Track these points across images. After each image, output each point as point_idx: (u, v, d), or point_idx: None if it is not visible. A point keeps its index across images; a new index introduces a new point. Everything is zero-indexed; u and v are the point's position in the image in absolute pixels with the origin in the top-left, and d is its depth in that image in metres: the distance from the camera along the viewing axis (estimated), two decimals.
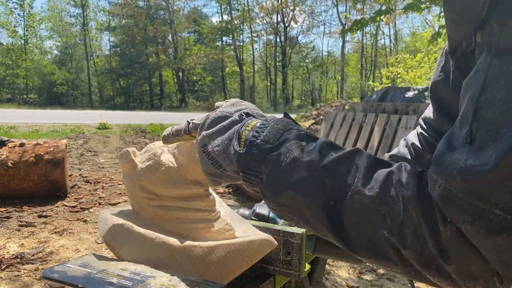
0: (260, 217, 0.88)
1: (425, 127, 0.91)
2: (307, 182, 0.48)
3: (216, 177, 0.59)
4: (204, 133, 0.60)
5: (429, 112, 0.90)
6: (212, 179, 0.60)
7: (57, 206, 3.47)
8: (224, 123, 0.59)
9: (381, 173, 0.46)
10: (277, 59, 40.39)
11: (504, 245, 0.36)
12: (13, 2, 35.40)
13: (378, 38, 41.50)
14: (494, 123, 0.37)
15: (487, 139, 0.37)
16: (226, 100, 0.67)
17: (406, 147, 0.93)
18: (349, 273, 2.50)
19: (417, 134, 0.92)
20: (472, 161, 0.37)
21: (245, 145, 0.54)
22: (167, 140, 0.70)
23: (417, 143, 0.91)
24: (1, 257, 2.37)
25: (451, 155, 0.40)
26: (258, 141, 0.53)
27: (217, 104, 0.68)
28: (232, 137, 0.57)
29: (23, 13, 36.31)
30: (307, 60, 42.80)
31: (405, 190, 0.43)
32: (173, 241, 0.71)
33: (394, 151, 0.95)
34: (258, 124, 0.55)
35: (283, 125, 0.54)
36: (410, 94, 6.90)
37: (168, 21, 39.06)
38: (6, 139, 3.76)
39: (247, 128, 0.55)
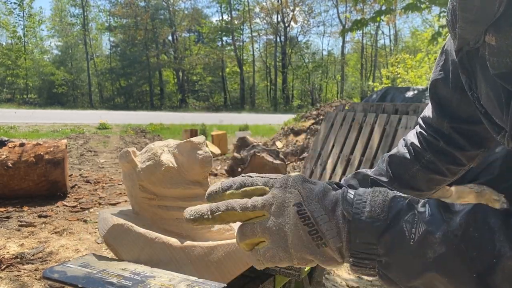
0: None
1: (424, 126, 0.91)
2: (447, 259, 0.42)
3: (302, 259, 0.47)
4: (295, 190, 0.49)
5: (428, 111, 0.90)
6: (298, 264, 0.48)
7: (57, 206, 3.47)
8: (314, 186, 0.49)
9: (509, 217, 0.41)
10: (277, 59, 40.39)
11: None
12: (12, 3, 35.43)
13: (378, 38, 41.53)
14: None
15: None
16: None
17: (405, 146, 0.93)
18: (349, 273, 2.50)
19: (416, 134, 0.92)
20: None
21: (349, 227, 0.46)
22: (210, 197, 0.54)
23: (417, 143, 0.91)
24: (1, 257, 2.37)
25: None
26: (363, 218, 0.45)
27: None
28: (335, 203, 0.47)
29: (23, 13, 36.31)
30: (307, 60, 42.81)
31: None
32: (173, 241, 0.71)
33: (393, 151, 0.95)
34: (349, 197, 0.47)
35: (383, 195, 0.47)
36: (410, 94, 6.90)
37: (169, 21, 39.06)
38: (6, 139, 3.76)
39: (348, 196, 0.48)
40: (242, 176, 0.54)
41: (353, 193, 0.48)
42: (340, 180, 4.01)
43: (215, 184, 0.54)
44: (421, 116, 0.93)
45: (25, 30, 36.32)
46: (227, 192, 0.52)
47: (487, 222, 0.41)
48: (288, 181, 0.50)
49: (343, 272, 2.51)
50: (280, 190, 0.49)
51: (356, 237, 0.45)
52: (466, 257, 0.41)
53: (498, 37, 0.44)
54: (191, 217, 0.52)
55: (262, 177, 0.52)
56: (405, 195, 0.48)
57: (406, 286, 0.45)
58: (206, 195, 0.54)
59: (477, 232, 0.41)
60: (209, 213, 0.51)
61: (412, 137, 0.93)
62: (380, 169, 0.93)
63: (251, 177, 0.52)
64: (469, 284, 0.41)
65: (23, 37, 36.06)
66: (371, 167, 3.45)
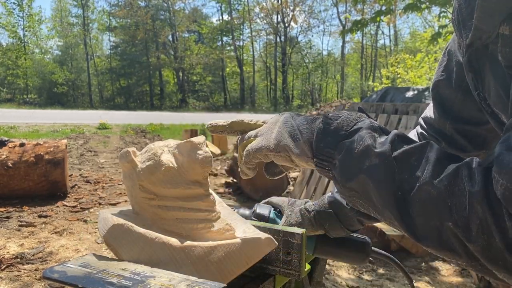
0: (260, 218, 0.88)
1: (425, 126, 0.90)
2: (378, 169, 0.50)
3: (282, 151, 0.60)
4: (289, 114, 0.64)
5: (429, 111, 0.90)
6: (277, 153, 0.60)
7: (57, 206, 3.47)
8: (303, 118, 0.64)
9: (451, 167, 0.47)
10: (277, 59, 40.39)
11: None
12: (11, 3, 35.43)
13: (378, 38, 41.53)
14: None
15: None
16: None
17: None
18: (349, 273, 2.50)
19: (417, 134, 0.92)
20: None
21: (320, 131, 0.57)
22: (215, 128, 0.74)
23: None
24: (1, 257, 2.37)
25: (509, 155, 0.41)
26: (332, 128, 0.56)
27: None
28: (316, 118, 0.61)
29: (22, 14, 36.32)
30: (307, 60, 42.81)
31: (472, 185, 0.43)
32: (173, 241, 0.71)
33: None
34: (330, 115, 0.58)
35: (356, 116, 0.57)
36: (410, 94, 6.90)
37: (169, 21, 39.07)
38: (6, 139, 3.76)
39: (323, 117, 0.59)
40: None
41: (335, 112, 0.59)
42: None
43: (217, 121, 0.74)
44: (422, 116, 0.93)
45: (25, 30, 36.32)
46: (229, 121, 0.72)
47: (427, 155, 0.49)
48: (283, 113, 0.66)
49: (343, 272, 2.51)
50: (276, 116, 0.66)
51: (321, 141, 0.56)
52: (394, 173, 0.48)
53: None
54: (210, 125, 0.73)
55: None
56: (378, 124, 0.56)
57: (345, 187, 0.54)
58: (209, 126, 0.74)
59: (417, 161, 0.48)
60: (223, 122, 0.72)
61: (412, 137, 0.93)
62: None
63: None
64: (388, 194, 0.48)
65: (23, 37, 36.06)
66: None
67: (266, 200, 0.93)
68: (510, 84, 0.49)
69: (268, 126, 0.64)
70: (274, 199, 0.92)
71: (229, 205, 0.89)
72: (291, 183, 4.62)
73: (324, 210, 0.84)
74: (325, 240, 0.85)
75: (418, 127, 0.93)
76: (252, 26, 40.70)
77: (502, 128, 0.57)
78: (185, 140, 0.76)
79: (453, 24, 0.63)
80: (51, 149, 3.63)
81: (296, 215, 0.87)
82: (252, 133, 0.67)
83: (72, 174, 4.76)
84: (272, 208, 0.90)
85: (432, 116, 0.88)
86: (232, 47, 40.63)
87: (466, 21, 0.55)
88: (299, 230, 0.78)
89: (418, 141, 0.90)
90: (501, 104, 0.53)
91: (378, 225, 2.67)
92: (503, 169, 0.40)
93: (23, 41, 35.92)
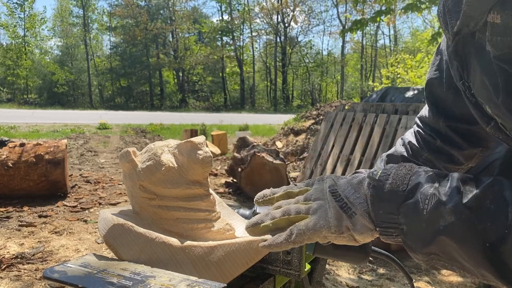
0: None
1: (421, 125, 0.91)
2: (457, 227, 0.45)
3: (345, 231, 0.53)
4: (330, 180, 0.58)
5: (425, 110, 0.90)
6: (339, 235, 0.53)
7: (57, 206, 3.47)
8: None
9: None
10: (277, 59, 40.37)
11: None
12: (13, 3, 35.42)
13: (378, 38, 41.52)
14: None
15: None
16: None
17: (403, 145, 0.93)
18: (349, 273, 2.50)
19: (414, 133, 0.92)
20: None
21: (373, 199, 0.52)
22: (260, 197, 0.65)
23: (414, 142, 0.91)
24: (1, 257, 2.37)
25: None
26: (386, 190, 0.50)
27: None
28: (361, 181, 0.55)
29: (23, 14, 36.31)
30: (306, 60, 42.79)
31: None
32: (173, 241, 0.71)
33: (391, 150, 0.95)
34: (376, 174, 0.53)
35: (407, 169, 0.52)
36: (410, 94, 6.90)
37: (169, 21, 39.06)
38: (6, 139, 3.76)
39: (373, 174, 0.53)
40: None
41: (379, 170, 0.54)
42: None
43: (263, 191, 0.64)
44: (418, 115, 0.93)
45: (25, 30, 36.31)
46: (275, 195, 0.62)
47: (503, 195, 0.44)
48: (323, 176, 0.60)
49: (343, 272, 2.51)
50: (318, 183, 0.60)
51: (379, 208, 0.51)
52: (475, 226, 0.43)
53: (504, 14, 0.44)
54: (250, 225, 0.60)
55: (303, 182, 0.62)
56: (431, 169, 0.52)
57: (422, 253, 0.49)
58: (256, 199, 0.64)
59: (493, 204, 0.44)
60: (269, 220, 0.58)
61: (409, 136, 0.93)
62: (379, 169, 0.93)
63: (295, 185, 0.62)
64: (478, 251, 0.43)
65: (23, 38, 36.05)
66: (371, 167, 3.45)
67: None
68: (496, 74, 0.48)
69: (320, 203, 0.55)
70: None
71: (229, 205, 0.89)
72: (291, 183, 4.62)
73: None
74: None
75: (415, 126, 0.93)
76: (252, 26, 40.71)
77: (484, 119, 0.59)
78: (185, 140, 0.76)
79: (438, 17, 0.62)
80: (51, 149, 3.63)
81: None
82: (303, 207, 0.56)
83: (72, 174, 4.76)
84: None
85: (427, 114, 0.88)
86: (232, 47, 40.62)
87: (452, 10, 0.55)
88: None
89: (415, 140, 0.90)
90: (485, 94, 0.52)
91: None
92: None
93: (23, 41, 35.92)
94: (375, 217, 0.51)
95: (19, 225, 2.96)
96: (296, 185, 0.62)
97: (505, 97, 0.48)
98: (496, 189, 0.45)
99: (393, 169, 0.53)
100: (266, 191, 0.64)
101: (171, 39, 40.12)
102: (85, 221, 3.14)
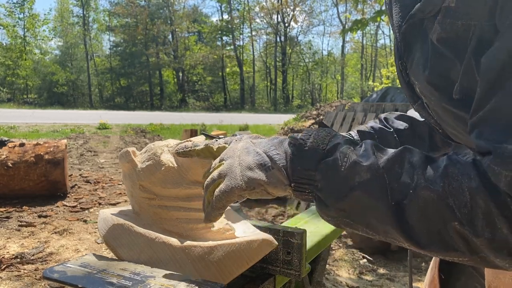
0: None
1: (406, 124, 0.93)
2: (371, 184, 0.48)
3: (257, 186, 0.54)
4: (247, 140, 0.60)
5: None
6: (251, 191, 0.55)
7: (57, 206, 3.47)
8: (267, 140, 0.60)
9: (437, 167, 0.47)
10: (277, 59, 40.38)
11: None
12: (12, 3, 35.43)
13: (378, 38, 41.53)
14: None
15: None
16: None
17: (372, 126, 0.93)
18: (349, 273, 2.50)
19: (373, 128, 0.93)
20: None
21: (294, 152, 0.54)
22: (180, 147, 0.69)
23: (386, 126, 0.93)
24: (1, 257, 2.37)
25: (508, 147, 0.42)
26: (307, 148, 0.53)
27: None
28: (283, 140, 0.57)
29: (23, 14, 36.32)
30: (306, 60, 42.81)
31: (469, 181, 0.44)
32: (173, 241, 0.71)
33: (359, 128, 0.94)
34: (297, 135, 0.55)
35: (326, 132, 0.55)
36: None
37: (169, 21, 39.07)
38: (6, 139, 3.76)
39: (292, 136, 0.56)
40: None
41: (302, 132, 0.57)
42: None
43: (185, 143, 0.69)
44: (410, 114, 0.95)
45: (25, 31, 36.32)
46: (196, 148, 0.68)
47: (411, 161, 0.48)
48: (242, 136, 0.61)
49: (343, 272, 2.51)
50: (234, 142, 0.61)
51: (298, 164, 0.53)
52: (386, 185, 0.47)
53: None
54: (179, 151, 0.69)
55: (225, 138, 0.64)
56: (348, 137, 0.56)
57: (334, 207, 0.51)
58: (176, 150, 0.70)
59: (400, 168, 0.48)
60: (191, 146, 0.68)
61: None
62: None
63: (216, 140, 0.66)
64: (385, 207, 0.47)
65: (23, 38, 36.06)
66: None
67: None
68: (431, 56, 0.53)
69: (229, 162, 0.57)
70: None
71: (229, 205, 0.89)
72: (215, 139, 4.61)
73: (366, 131, 0.89)
74: None
75: (377, 122, 0.93)
76: (252, 26, 40.72)
77: (413, 98, 0.64)
78: (185, 140, 0.76)
79: (385, 4, 0.66)
80: (51, 149, 3.63)
81: None
82: (215, 173, 0.59)
83: (72, 174, 4.76)
84: None
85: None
86: (232, 47, 40.63)
87: None
88: (299, 230, 0.78)
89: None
90: (417, 72, 0.57)
91: None
92: (505, 160, 0.42)
93: (23, 41, 35.92)
94: (292, 172, 0.53)
95: (19, 225, 2.96)
96: (217, 140, 0.66)
97: (430, 73, 0.53)
98: (404, 155, 0.49)
99: (313, 131, 0.55)
100: (188, 143, 0.69)
101: (171, 39, 40.13)
102: (85, 221, 3.14)
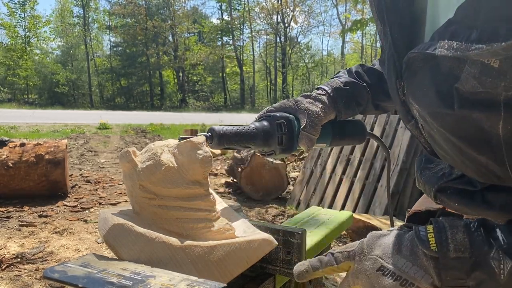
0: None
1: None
2: None
3: None
4: (373, 256, 0.54)
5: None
6: None
7: (58, 206, 3.47)
8: (388, 239, 0.55)
9: None
10: (277, 59, 40.37)
11: None
12: (14, 3, 35.45)
13: (378, 38, 41.50)
14: None
15: None
16: None
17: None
18: None
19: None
20: None
21: (439, 273, 0.50)
22: (304, 277, 0.59)
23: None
24: (1, 257, 2.37)
25: None
26: (451, 258, 0.49)
27: None
28: (413, 246, 0.52)
29: (24, 14, 36.33)
30: (306, 60, 42.80)
31: None
32: (173, 241, 0.71)
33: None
34: (430, 241, 0.51)
35: (460, 231, 0.50)
36: None
37: (169, 21, 39.06)
38: (7, 139, 3.76)
39: (426, 232, 0.52)
40: (325, 255, 0.59)
41: (424, 231, 0.52)
42: (340, 181, 3.88)
43: (302, 264, 0.59)
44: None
45: (26, 31, 36.32)
46: (316, 271, 0.58)
47: None
48: (363, 249, 0.55)
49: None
50: (359, 261, 0.55)
51: (446, 275, 0.49)
52: None
53: (504, 61, 0.43)
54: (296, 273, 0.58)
55: (341, 252, 0.57)
56: (477, 218, 0.51)
57: None
58: (296, 275, 0.58)
59: None
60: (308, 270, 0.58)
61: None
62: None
63: (333, 254, 0.57)
64: None
65: (24, 38, 36.06)
66: (370, 167, 3.45)
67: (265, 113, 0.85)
68: (450, 94, 0.48)
69: (365, 281, 0.53)
70: (275, 108, 0.84)
71: (229, 205, 0.89)
72: (291, 183, 4.62)
73: (342, 87, 0.86)
74: (336, 126, 0.87)
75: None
76: (252, 26, 40.71)
77: (407, 118, 0.60)
78: (185, 140, 0.76)
79: (372, 7, 0.64)
80: (52, 149, 3.63)
81: (311, 101, 0.84)
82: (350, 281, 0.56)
83: (72, 174, 4.76)
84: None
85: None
86: (232, 47, 40.62)
87: (392, 9, 0.58)
88: (299, 230, 0.78)
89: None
90: (424, 102, 0.53)
91: (378, 224, 2.67)
92: None
93: (24, 42, 35.92)
94: (442, 284, 0.50)
95: (19, 225, 2.96)
96: (332, 254, 0.58)
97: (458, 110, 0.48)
98: None
99: (447, 231, 0.51)
100: (304, 267, 0.58)
101: (171, 39, 40.12)
102: (85, 221, 3.14)
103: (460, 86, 0.47)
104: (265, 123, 0.81)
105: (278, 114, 0.81)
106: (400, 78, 0.58)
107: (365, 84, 0.89)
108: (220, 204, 0.87)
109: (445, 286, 0.50)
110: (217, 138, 0.77)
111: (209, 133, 0.77)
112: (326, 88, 0.86)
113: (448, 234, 0.50)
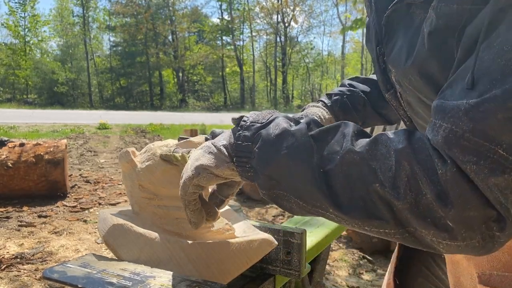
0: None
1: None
2: (296, 148, 0.49)
3: (202, 171, 0.58)
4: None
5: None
6: (198, 176, 0.58)
7: (57, 206, 3.47)
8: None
9: (369, 136, 0.48)
10: (277, 59, 40.38)
11: (503, 186, 0.37)
12: (15, 3, 35.46)
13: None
14: (499, 72, 0.38)
15: (491, 85, 0.38)
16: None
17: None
18: (349, 273, 2.50)
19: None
20: (477, 101, 0.38)
21: (236, 131, 0.57)
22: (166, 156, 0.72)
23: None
24: (1, 257, 2.37)
25: (453, 102, 0.41)
26: (248, 123, 0.55)
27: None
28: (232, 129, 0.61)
29: (24, 14, 36.33)
30: (307, 60, 42.81)
31: (397, 144, 0.43)
32: (173, 241, 0.71)
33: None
34: (243, 117, 0.59)
35: (269, 111, 0.58)
36: None
37: (169, 21, 39.07)
38: (6, 139, 3.76)
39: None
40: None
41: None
42: None
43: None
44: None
45: (26, 30, 36.33)
46: (175, 154, 0.70)
47: (343, 131, 0.49)
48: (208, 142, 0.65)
49: (343, 272, 2.51)
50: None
51: (238, 139, 0.55)
52: (314, 152, 0.48)
53: None
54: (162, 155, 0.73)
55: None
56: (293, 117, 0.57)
57: (264, 175, 0.52)
58: (161, 154, 0.73)
59: (332, 138, 0.49)
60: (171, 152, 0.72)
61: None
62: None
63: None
64: (311, 172, 0.47)
65: (24, 37, 36.06)
66: None
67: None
68: (415, 44, 0.51)
69: (188, 162, 0.62)
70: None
71: (229, 205, 0.89)
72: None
73: (335, 94, 0.92)
74: None
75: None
76: (252, 26, 40.72)
77: (387, 86, 0.63)
78: (184, 140, 0.76)
79: None
80: (51, 149, 3.63)
81: (307, 107, 0.94)
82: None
83: (72, 174, 4.76)
84: None
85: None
86: (232, 47, 40.63)
87: None
88: (299, 230, 0.78)
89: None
90: (397, 60, 0.55)
91: None
92: (447, 113, 0.40)
93: (24, 41, 35.92)
94: (232, 148, 0.56)
95: (19, 225, 2.96)
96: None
97: (414, 62, 0.51)
98: (338, 127, 0.49)
99: (257, 112, 0.58)
100: (166, 149, 0.74)
101: (171, 39, 40.12)
102: (85, 221, 3.14)
103: (424, 25, 0.49)
104: None
105: None
106: (380, 44, 0.60)
107: (358, 90, 0.93)
108: None
109: (236, 150, 0.55)
110: None
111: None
112: (321, 99, 0.93)
113: (257, 112, 0.58)
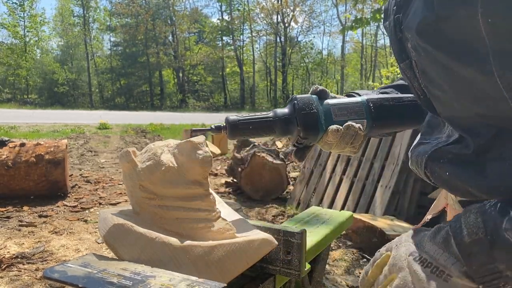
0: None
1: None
2: None
3: None
4: (408, 243, 0.54)
5: None
6: None
7: (58, 206, 3.47)
8: (427, 232, 0.54)
9: None
10: (277, 59, 40.37)
11: None
12: (13, 2, 35.46)
13: (378, 38, 41.50)
14: None
15: None
16: None
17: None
18: (349, 273, 2.50)
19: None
20: None
21: (464, 255, 0.47)
22: (364, 284, 0.61)
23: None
24: (1, 257, 2.37)
25: None
26: (467, 242, 0.46)
27: None
28: (447, 237, 0.50)
29: (24, 14, 36.32)
30: (306, 60, 42.80)
31: None
32: (173, 241, 0.71)
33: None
34: (450, 225, 0.49)
35: (472, 213, 0.48)
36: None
37: (170, 22, 39.07)
38: (7, 139, 3.76)
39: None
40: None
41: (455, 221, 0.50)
42: (340, 181, 3.88)
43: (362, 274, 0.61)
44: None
45: (25, 30, 36.33)
46: (369, 273, 0.59)
47: None
48: (401, 238, 0.56)
49: (343, 272, 2.51)
50: (395, 249, 0.55)
51: (471, 264, 0.46)
52: None
53: None
54: None
55: (384, 246, 0.58)
56: (492, 201, 0.48)
57: None
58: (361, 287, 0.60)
59: None
60: None
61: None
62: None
63: (378, 251, 0.58)
64: None
65: (24, 37, 36.06)
66: (370, 167, 3.45)
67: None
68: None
69: (403, 276, 0.52)
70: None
71: (229, 205, 0.89)
72: (291, 183, 4.62)
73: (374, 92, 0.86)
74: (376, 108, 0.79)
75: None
76: (252, 26, 40.70)
77: (402, 56, 0.59)
78: (185, 140, 0.76)
79: None
80: (52, 149, 3.63)
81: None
82: (380, 279, 0.55)
83: (72, 174, 4.76)
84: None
85: None
86: (232, 47, 40.62)
87: None
88: (299, 230, 0.78)
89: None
90: (415, 21, 0.51)
91: (378, 224, 2.67)
92: None
93: (24, 41, 35.92)
94: (474, 274, 0.46)
95: (19, 225, 2.96)
96: (378, 251, 0.59)
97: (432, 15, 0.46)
98: None
99: (460, 219, 0.48)
100: (361, 276, 0.60)
101: (171, 39, 40.12)
102: (85, 221, 3.14)
103: None
104: (285, 109, 0.79)
105: (298, 96, 0.79)
106: (399, 13, 0.58)
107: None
108: (220, 204, 0.86)
109: (477, 277, 0.46)
110: (230, 128, 0.74)
111: (224, 124, 0.75)
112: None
113: (462, 220, 0.48)
